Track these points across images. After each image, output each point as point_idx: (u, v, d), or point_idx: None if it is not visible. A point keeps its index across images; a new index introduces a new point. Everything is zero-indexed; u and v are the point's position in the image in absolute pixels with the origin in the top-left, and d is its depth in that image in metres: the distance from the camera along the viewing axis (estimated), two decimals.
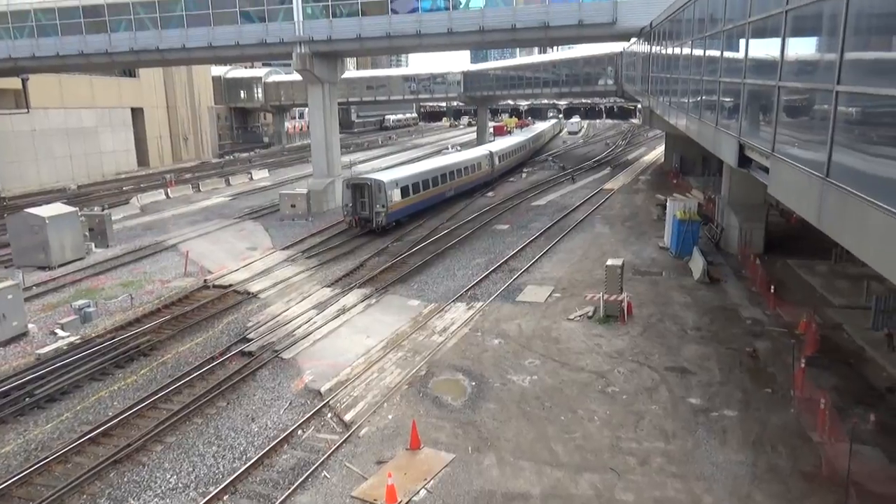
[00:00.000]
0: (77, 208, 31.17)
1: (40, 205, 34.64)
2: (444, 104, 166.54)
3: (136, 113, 66.41)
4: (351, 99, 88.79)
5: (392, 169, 39.46)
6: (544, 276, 25.61)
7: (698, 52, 17.50)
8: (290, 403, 16.49)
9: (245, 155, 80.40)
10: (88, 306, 22.52)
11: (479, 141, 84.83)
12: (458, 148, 72.54)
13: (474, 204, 42.05)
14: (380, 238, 32.86)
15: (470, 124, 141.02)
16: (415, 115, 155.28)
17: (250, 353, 19.42)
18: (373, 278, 26.05)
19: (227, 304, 23.67)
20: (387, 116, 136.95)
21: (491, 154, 49.62)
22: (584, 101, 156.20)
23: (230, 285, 25.41)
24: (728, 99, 14.32)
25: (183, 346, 20.33)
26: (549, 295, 23.29)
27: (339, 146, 42.13)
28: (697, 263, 25.12)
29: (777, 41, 10.43)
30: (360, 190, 33.41)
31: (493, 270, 26.51)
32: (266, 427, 15.45)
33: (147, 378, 18.43)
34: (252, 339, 20.35)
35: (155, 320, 22.08)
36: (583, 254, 28.59)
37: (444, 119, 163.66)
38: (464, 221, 36.28)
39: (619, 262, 21.48)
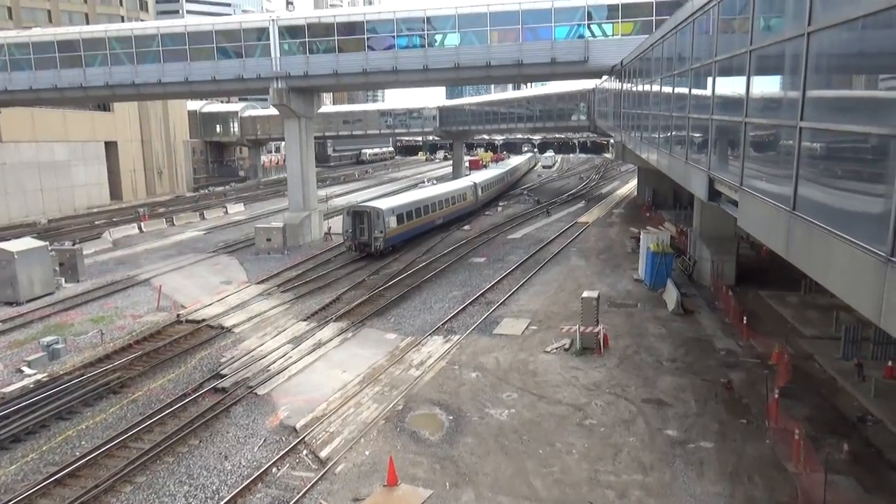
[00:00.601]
0: (47, 242, 30.64)
1: (9, 239, 34.00)
2: (420, 138, 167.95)
3: (110, 146, 65.88)
4: (327, 133, 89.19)
5: (388, 198, 42.05)
6: (521, 308, 25.67)
7: (668, 89, 17.99)
8: (264, 440, 16.19)
9: (220, 189, 79.73)
10: (57, 343, 21.97)
11: (455, 174, 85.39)
12: (434, 182, 73.19)
13: (451, 237, 42.28)
14: (357, 271, 33.10)
15: (446, 158, 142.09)
16: (391, 148, 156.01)
17: (224, 390, 19.08)
18: (349, 312, 25.96)
19: (200, 339, 23.31)
20: (363, 150, 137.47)
21: (475, 185, 52.26)
22: (557, 135, 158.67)
23: (203, 320, 25.07)
24: (697, 134, 14.69)
25: (154, 383, 19.90)
26: (526, 327, 23.35)
27: (315, 180, 42.38)
28: (671, 295, 25.40)
29: (743, 79, 10.79)
30: (360, 217, 35.98)
31: (469, 303, 26.57)
32: (239, 465, 15.12)
33: (117, 416, 17.96)
34: (226, 375, 20.03)
35: (126, 356, 21.62)
36: (559, 286, 28.80)
37: (420, 153, 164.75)
38: (440, 255, 36.48)
39: (594, 294, 21.62)
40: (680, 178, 16.51)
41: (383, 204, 37.05)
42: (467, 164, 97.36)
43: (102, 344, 22.90)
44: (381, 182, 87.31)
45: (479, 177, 57.51)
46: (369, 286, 29.96)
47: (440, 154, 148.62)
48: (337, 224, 48.18)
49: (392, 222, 36.61)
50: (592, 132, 77.17)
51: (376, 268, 33.45)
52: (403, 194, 44.08)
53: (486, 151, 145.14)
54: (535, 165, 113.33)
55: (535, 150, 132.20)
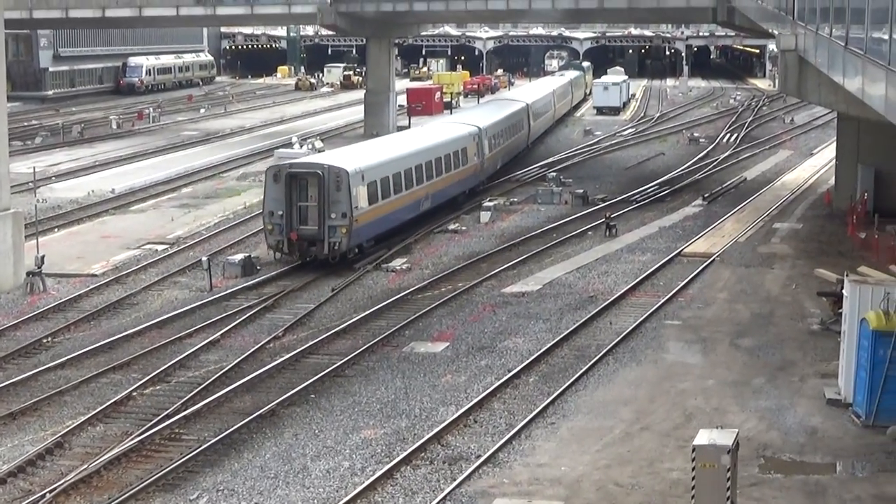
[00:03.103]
0: None
1: None
2: (283, 32, 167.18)
3: None
4: (39, 14, 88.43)
5: (345, 151, 53.16)
6: (537, 474, 26.10)
7: None
8: None
9: None
10: None
11: (372, 123, 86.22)
12: (317, 143, 73.72)
13: (360, 287, 43.65)
14: (118, 366, 33.64)
15: (347, 82, 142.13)
16: (207, 58, 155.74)
17: None
18: (91, 480, 25.87)
19: None
20: (133, 61, 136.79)
21: (479, 133, 62.47)
22: (634, 32, 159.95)
23: None
24: None
25: None
26: None
27: (4, 133, 42.54)
28: None
29: None
30: (301, 186, 44.28)
31: (405, 459, 26.91)
32: None
33: None
34: None
35: None
36: (634, 416, 29.71)
37: (283, 70, 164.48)
38: (331, 330, 37.39)
39: (725, 438, 21.87)
40: None
41: (347, 161, 46.14)
42: (403, 97, 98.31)
43: None
44: (179, 142, 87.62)
45: (482, 118, 67.44)
46: (144, 412, 30.49)
47: (334, 73, 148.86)
48: (58, 246, 47.77)
49: (362, 197, 45.18)
50: (724, 24, 78.55)
51: (165, 362, 33.74)
52: (365, 144, 56.12)
53: (456, 69, 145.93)
54: (578, 104, 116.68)
55: (585, 66, 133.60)
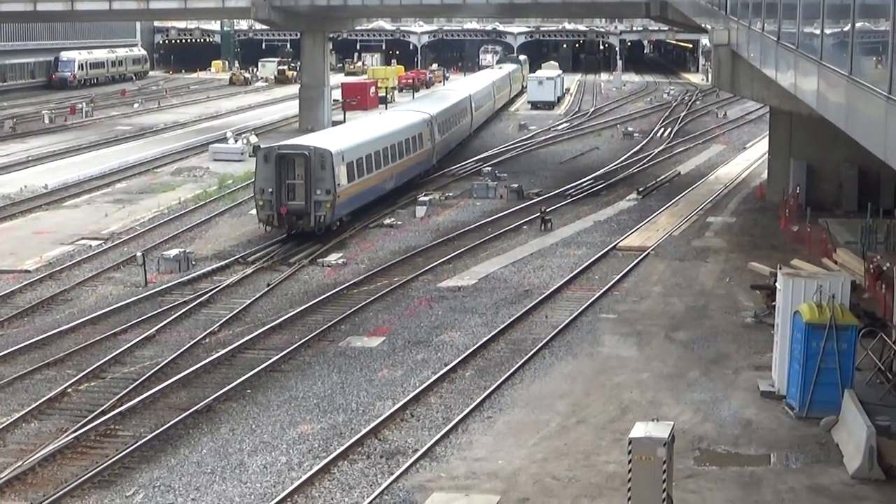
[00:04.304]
0: None
1: None
2: (217, 26, 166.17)
3: None
4: None
5: (327, 134, 60.67)
6: (474, 468, 26.32)
7: None
8: None
9: None
10: None
11: (307, 118, 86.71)
12: (251, 138, 75.10)
13: (295, 282, 43.95)
14: (53, 363, 33.38)
15: (282, 77, 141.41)
16: (141, 52, 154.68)
17: None
18: (6, 488, 25.61)
19: None
20: (65, 56, 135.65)
21: (431, 120, 69.50)
22: (568, 27, 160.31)
23: None
24: None
25: None
26: None
27: None
28: (855, 432, 26.06)
29: None
30: (289, 165, 49.82)
31: (342, 454, 27.05)
32: None
33: None
34: None
35: None
36: (570, 410, 29.88)
37: (217, 64, 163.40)
38: (266, 325, 37.52)
39: (661, 431, 21.96)
40: (874, 141, 16.96)
41: (330, 142, 52.47)
42: (338, 92, 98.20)
43: None
44: (114, 136, 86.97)
45: (432, 107, 74.94)
46: (79, 408, 30.24)
47: (268, 68, 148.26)
48: None
49: (342, 175, 51.04)
50: (658, 19, 78.87)
51: (100, 359, 33.24)
52: (342, 128, 64.57)
53: (390, 63, 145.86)
54: (516, 96, 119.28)
55: (520, 61, 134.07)
